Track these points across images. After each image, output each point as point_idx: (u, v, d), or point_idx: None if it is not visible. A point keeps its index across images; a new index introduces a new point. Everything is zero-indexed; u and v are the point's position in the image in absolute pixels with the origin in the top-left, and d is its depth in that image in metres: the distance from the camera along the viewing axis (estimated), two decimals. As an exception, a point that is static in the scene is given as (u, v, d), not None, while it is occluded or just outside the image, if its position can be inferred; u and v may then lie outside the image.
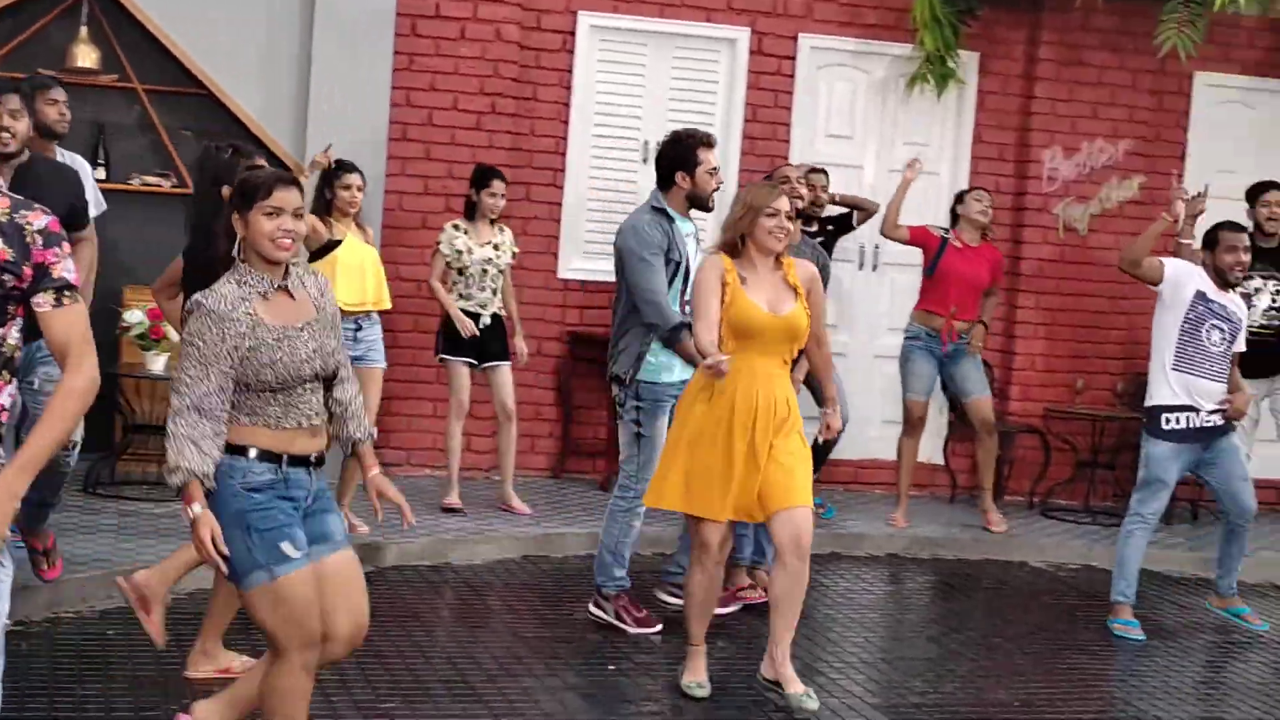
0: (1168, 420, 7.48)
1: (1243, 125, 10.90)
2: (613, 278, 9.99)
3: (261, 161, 5.79)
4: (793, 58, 10.30)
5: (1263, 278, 8.85)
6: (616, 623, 6.86)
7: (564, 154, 10.03)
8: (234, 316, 4.21)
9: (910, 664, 6.78)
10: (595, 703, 5.85)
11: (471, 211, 8.68)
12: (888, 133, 10.52)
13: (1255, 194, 9.19)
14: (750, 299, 5.75)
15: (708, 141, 6.81)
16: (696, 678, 5.99)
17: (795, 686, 5.74)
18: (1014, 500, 10.27)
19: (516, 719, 5.58)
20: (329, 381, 4.46)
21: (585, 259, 10.12)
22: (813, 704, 5.71)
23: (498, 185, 8.62)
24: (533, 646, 6.57)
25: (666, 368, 6.69)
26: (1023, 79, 10.58)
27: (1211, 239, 7.60)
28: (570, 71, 9.99)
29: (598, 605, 6.96)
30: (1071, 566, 9.07)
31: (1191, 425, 7.46)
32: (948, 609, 7.94)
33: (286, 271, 4.33)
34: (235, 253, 4.32)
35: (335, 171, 8.08)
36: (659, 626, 6.86)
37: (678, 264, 6.72)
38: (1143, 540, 7.61)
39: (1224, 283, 7.53)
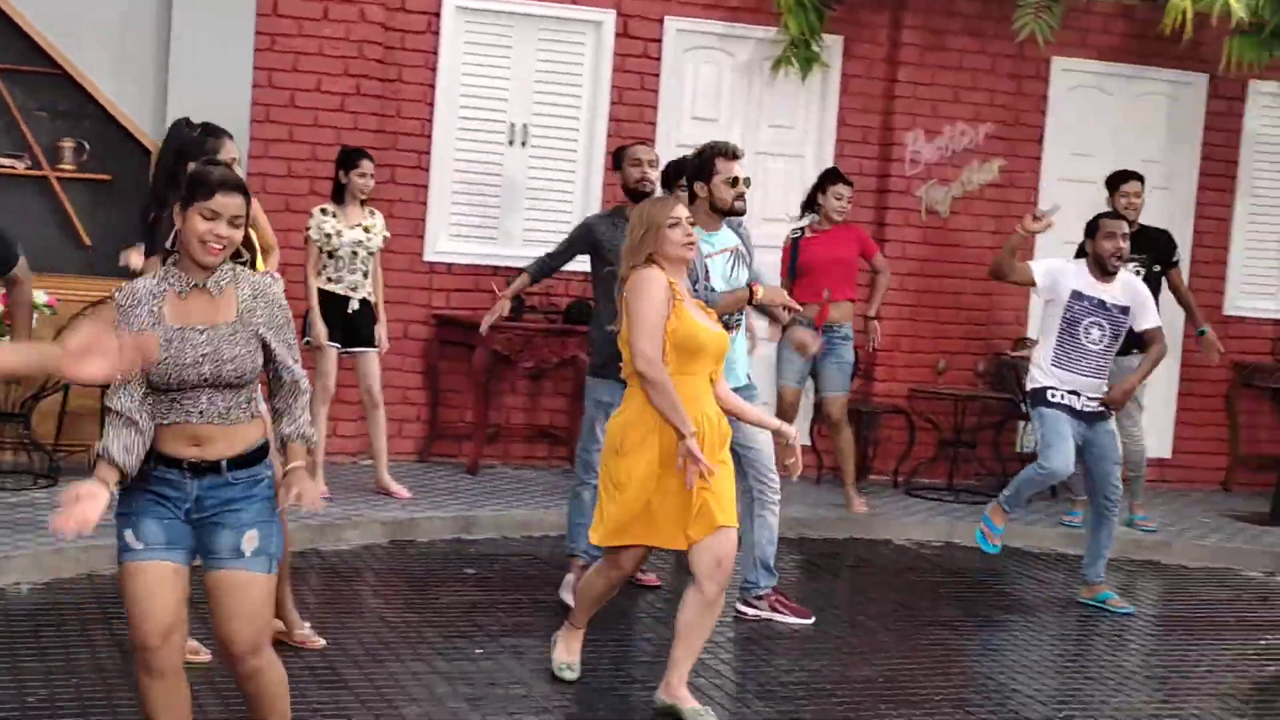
0: (1051, 394, 7.68)
1: (1098, 110, 11.13)
2: (481, 260, 10.11)
3: (228, 154, 5.79)
4: (658, 40, 10.32)
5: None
6: (772, 615, 7.15)
7: (430, 136, 9.96)
8: (137, 311, 4.18)
9: (776, 642, 6.85)
10: (463, 688, 5.84)
11: (340, 194, 8.60)
12: (753, 115, 10.59)
13: (1115, 183, 9.46)
14: (693, 316, 5.57)
15: (727, 153, 6.79)
16: (569, 658, 5.98)
17: (691, 703, 5.63)
18: (879, 480, 10.41)
19: (384, 705, 5.55)
20: (235, 385, 4.24)
21: (452, 241, 10.07)
22: (712, 718, 5.62)
23: (366, 165, 8.55)
24: (400, 632, 6.54)
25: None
26: (886, 63, 10.70)
27: (1092, 227, 7.76)
28: (436, 53, 9.92)
29: (749, 604, 7.21)
30: (935, 544, 9.22)
31: (1071, 404, 7.65)
32: (814, 588, 8.02)
33: (214, 271, 4.24)
34: (170, 243, 4.29)
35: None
36: (813, 618, 7.17)
37: (694, 282, 6.57)
38: (1038, 481, 7.71)
39: (1103, 270, 7.68)
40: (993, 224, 10.78)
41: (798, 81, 10.51)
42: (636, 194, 7.28)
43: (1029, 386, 7.85)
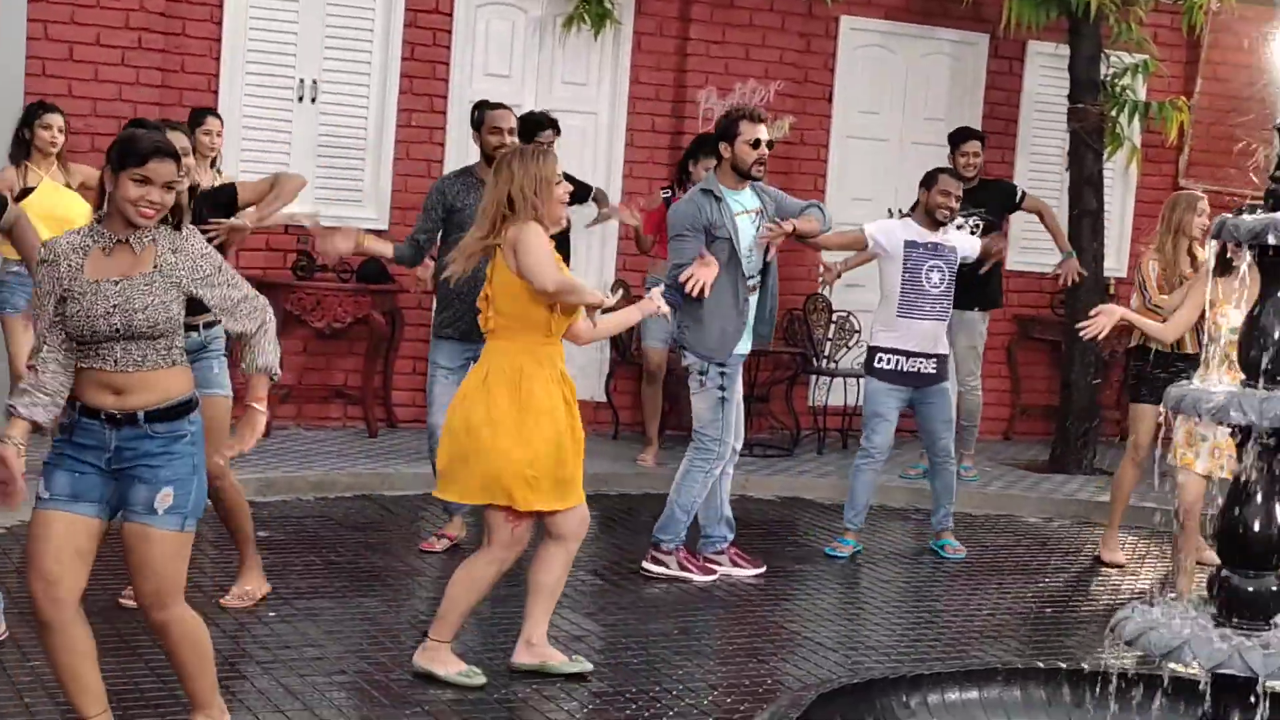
0: (880, 359, 7.96)
1: (885, 68, 11.34)
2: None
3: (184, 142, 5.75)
4: (451, -5, 10.24)
5: (963, 216, 9.41)
6: (681, 574, 7.27)
7: (216, 92, 9.73)
8: (60, 265, 4.36)
9: (574, 599, 6.88)
10: (256, 650, 5.76)
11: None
12: (546, 72, 10.56)
13: (956, 141, 9.86)
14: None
15: (753, 116, 7.17)
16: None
17: (560, 657, 5.74)
18: (676, 435, 10.50)
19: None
20: (149, 335, 4.34)
21: (240, 200, 9.85)
22: (586, 664, 5.75)
23: (213, 123, 8.47)
24: (191, 597, 6.37)
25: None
26: (678, 20, 10.76)
27: (930, 179, 8.07)
28: (221, 6, 9.69)
29: (656, 561, 7.34)
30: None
31: (901, 369, 7.93)
32: (611, 543, 8.08)
33: (136, 230, 4.38)
34: (100, 208, 4.43)
35: (34, 110, 8.09)
36: (717, 574, 7.34)
37: (728, 240, 7.06)
38: (870, 473, 8.05)
39: (933, 222, 7.97)
40: (782, 180, 10.89)
41: (590, 38, 10.50)
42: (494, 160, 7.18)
43: (869, 342, 8.19)
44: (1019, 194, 10.04)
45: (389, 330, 10.00)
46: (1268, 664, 3.97)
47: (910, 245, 7.91)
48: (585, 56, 10.62)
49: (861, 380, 10.58)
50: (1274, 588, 4.16)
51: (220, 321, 4.69)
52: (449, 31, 10.26)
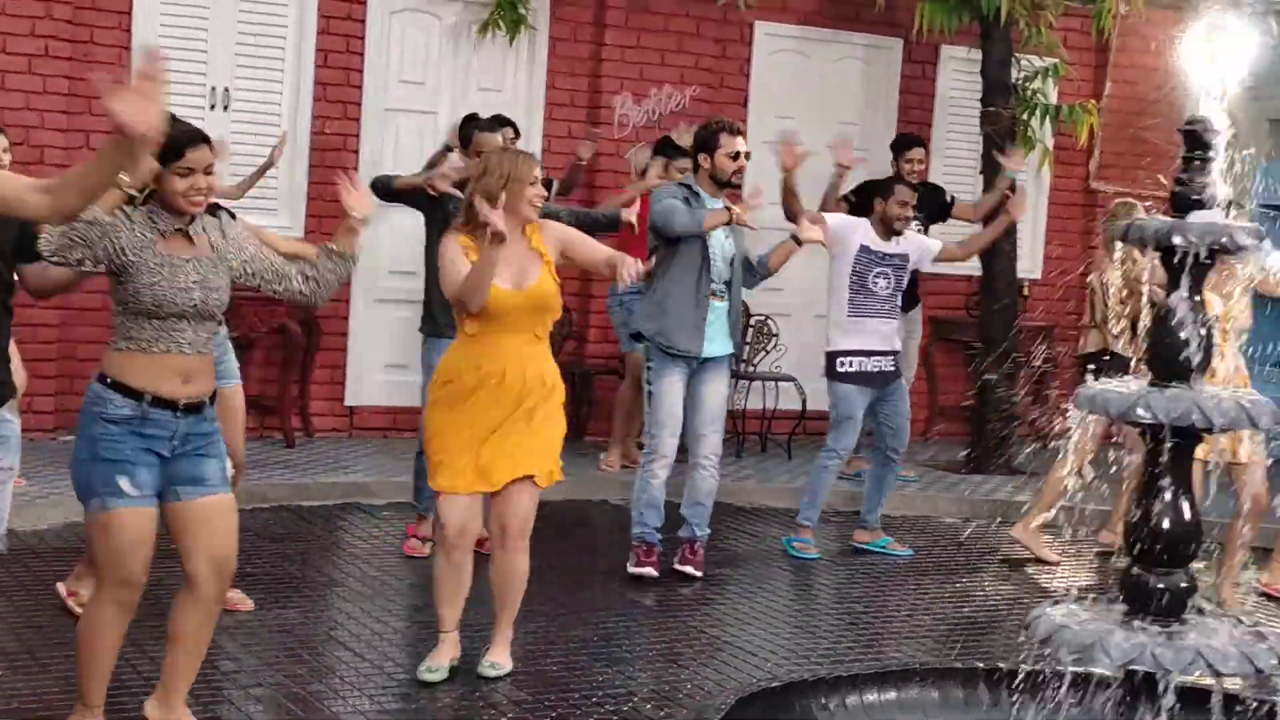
0: (841, 363, 8.07)
1: (800, 73, 11.40)
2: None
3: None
4: (364, 2, 10.17)
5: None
6: (632, 570, 7.44)
7: (126, 100, 9.59)
8: (120, 232, 4.48)
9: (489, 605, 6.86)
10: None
11: None
12: (461, 79, 10.52)
13: (900, 148, 10.00)
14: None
15: (731, 129, 7.44)
16: (433, 660, 5.78)
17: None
18: (595, 440, 10.50)
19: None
20: (213, 317, 4.64)
21: (152, 209, 9.75)
22: (494, 671, 5.80)
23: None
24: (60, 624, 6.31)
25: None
26: (592, 26, 10.75)
27: (886, 190, 8.22)
28: (130, 13, 9.57)
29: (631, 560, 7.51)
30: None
31: (863, 369, 8.07)
32: (533, 548, 8.03)
33: (191, 219, 4.61)
34: (143, 202, 4.60)
35: None
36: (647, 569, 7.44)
37: (700, 240, 7.30)
38: (834, 474, 8.26)
39: (889, 232, 8.11)
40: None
41: (505, 44, 10.47)
42: None
43: (826, 349, 8.22)
44: (947, 195, 10.17)
45: (305, 339, 9.92)
46: (1177, 659, 4.03)
47: (863, 250, 8.07)
48: (500, 63, 10.59)
49: (781, 384, 10.72)
50: (1183, 584, 4.22)
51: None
52: (362, 38, 10.19)
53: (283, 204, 10.04)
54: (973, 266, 11.18)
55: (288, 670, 5.78)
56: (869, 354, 8.07)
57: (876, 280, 8.10)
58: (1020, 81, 10.76)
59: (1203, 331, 4.23)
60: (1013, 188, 9.71)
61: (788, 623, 6.99)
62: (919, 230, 9.47)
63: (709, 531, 7.72)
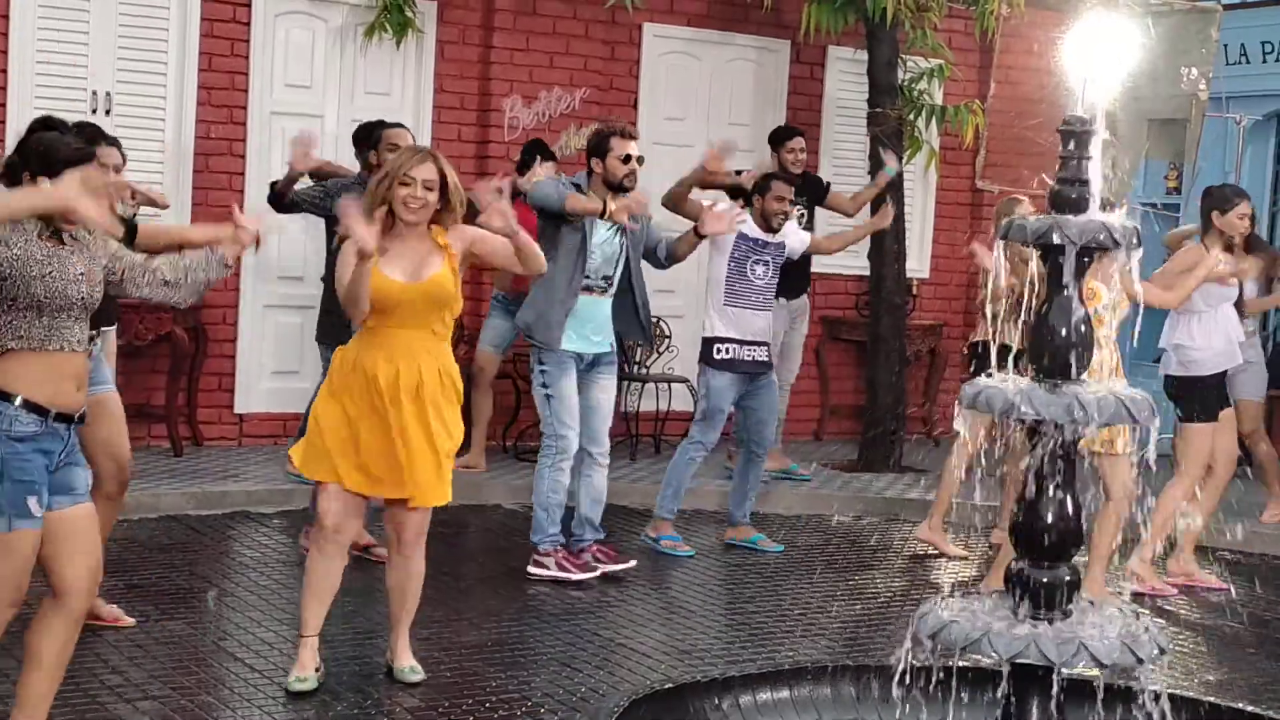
0: (718, 350, 8.16)
1: (689, 75, 11.43)
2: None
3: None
4: (248, 5, 10.04)
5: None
6: (560, 575, 7.45)
7: (4, 105, 9.43)
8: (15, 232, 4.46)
9: (383, 615, 6.80)
10: (61, 685, 5.58)
11: None
12: (348, 82, 10.43)
13: (780, 139, 10.06)
14: (384, 271, 5.47)
15: (624, 133, 7.47)
16: (300, 671, 5.65)
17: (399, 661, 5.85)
18: (486, 444, 10.44)
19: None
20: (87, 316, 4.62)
21: (33, 216, 9.56)
22: (417, 675, 5.79)
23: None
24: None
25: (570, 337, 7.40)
26: (481, 29, 10.71)
27: (764, 186, 8.31)
28: (6, 16, 9.39)
29: (537, 564, 7.51)
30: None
31: (739, 356, 8.16)
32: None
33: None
34: None
35: None
36: (598, 571, 7.52)
37: (582, 235, 7.32)
38: (696, 465, 8.35)
39: (768, 227, 8.25)
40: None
41: (393, 48, 10.40)
42: None
43: (703, 335, 8.31)
44: (826, 184, 10.38)
45: (193, 347, 9.78)
46: (1061, 652, 4.08)
47: (741, 238, 8.16)
48: (388, 66, 10.52)
49: (674, 385, 10.75)
50: (1067, 578, 4.28)
51: None
52: (247, 41, 10.07)
53: (169, 210, 9.86)
54: (862, 266, 11.29)
55: (175, 683, 5.69)
56: (743, 343, 8.18)
57: (755, 268, 8.22)
58: (906, 82, 10.87)
59: (1083, 328, 4.29)
60: (894, 184, 9.88)
61: (682, 623, 7.01)
62: (802, 218, 9.66)
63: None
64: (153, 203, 8.03)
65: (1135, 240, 4.26)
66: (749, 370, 8.22)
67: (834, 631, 7.00)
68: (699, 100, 11.41)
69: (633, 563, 7.76)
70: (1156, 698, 4.57)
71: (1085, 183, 4.28)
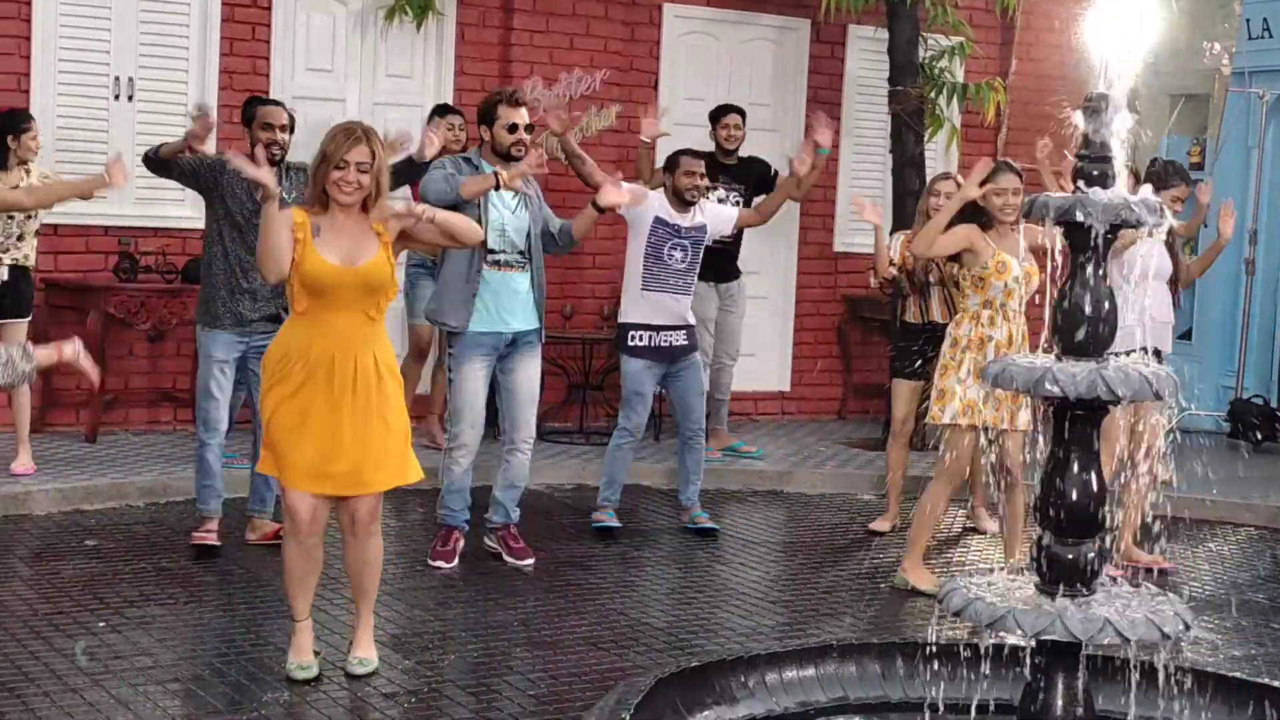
0: (633, 337, 8.04)
1: (709, 55, 11.42)
2: (91, 221, 9.69)
3: None
4: (268, -11, 10.08)
5: (726, 189, 9.75)
6: (498, 549, 7.45)
7: (28, 91, 9.46)
8: None
9: (413, 594, 6.85)
10: (87, 663, 5.63)
11: (4, 159, 8.23)
12: (369, 66, 10.45)
13: (716, 116, 10.00)
14: (319, 253, 5.38)
15: (511, 100, 7.25)
16: (297, 656, 5.61)
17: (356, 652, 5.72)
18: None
19: (4, 695, 5.32)
20: None
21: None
22: (365, 669, 5.65)
23: (35, 127, 8.41)
24: (16, 613, 6.24)
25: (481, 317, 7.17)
26: (500, 10, 10.72)
27: (673, 163, 8.17)
28: (29, 3, 9.42)
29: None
30: (566, 487, 9.36)
31: (654, 344, 8.04)
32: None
33: None
34: None
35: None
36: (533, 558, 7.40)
37: (475, 210, 6.95)
38: (628, 452, 8.19)
39: (682, 202, 8.09)
40: (612, 169, 10.89)
41: (413, 30, 10.42)
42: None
43: (619, 320, 8.22)
44: (773, 172, 10.13)
45: (216, 331, 9.80)
46: (1087, 628, 4.09)
47: (658, 222, 8.05)
48: (409, 49, 10.53)
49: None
50: (1091, 554, 4.28)
51: None
52: (268, 26, 10.10)
53: (190, 195, 9.85)
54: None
55: (206, 663, 5.74)
56: (659, 329, 8.04)
57: (672, 253, 8.07)
58: (927, 60, 10.84)
59: (1107, 305, 4.29)
60: (914, 162, 9.86)
61: (708, 600, 7.01)
62: (737, 202, 9.55)
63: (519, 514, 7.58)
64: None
65: (1160, 214, 4.26)
66: (665, 356, 8.08)
67: (859, 609, 7.00)
68: (719, 80, 11.39)
69: (530, 560, 7.42)
70: (1181, 673, 4.59)
71: (1108, 159, 4.28)
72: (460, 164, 7.27)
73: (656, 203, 8.09)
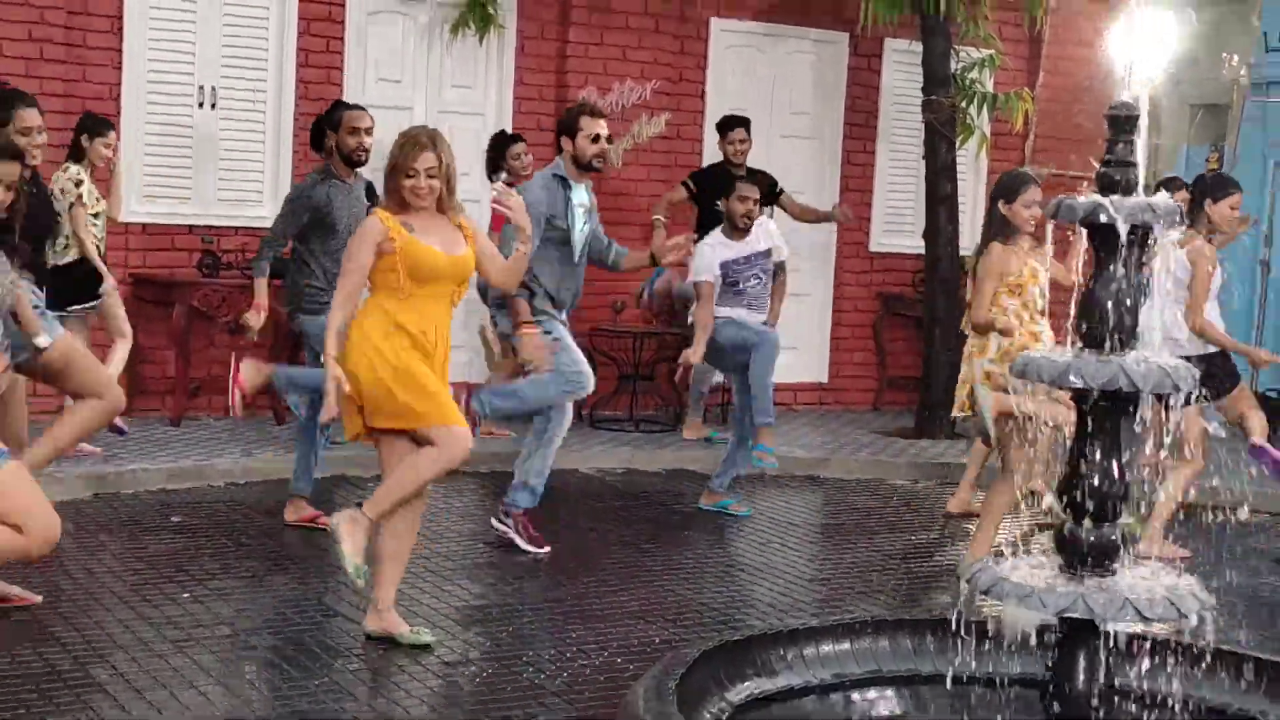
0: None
1: (753, 67, 11.40)
2: (175, 220, 9.79)
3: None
4: (342, 4, 10.11)
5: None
6: (514, 536, 7.16)
7: (118, 100, 9.55)
8: None
9: (470, 569, 6.87)
10: (170, 631, 5.68)
11: (77, 153, 8.37)
12: (435, 76, 10.49)
13: (724, 128, 9.99)
14: (425, 243, 5.47)
15: (592, 111, 7.14)
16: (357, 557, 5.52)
17: (403, 628, 5.66)
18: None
19: (92, 656, 5.36)
20: None
21: (144, 203, 9.69)
22: (429, 636, 5.65)
23: (112, 136, 8.48)
24: (106, 584, 6.31)
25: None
26: (558, 24, 10.73)
27: (728, 189, 8.21)
28: (121, 18, 9.50)
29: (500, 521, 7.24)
30: (617, 471, 9.37)
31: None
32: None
33: None
34: None
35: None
36: (547, 548, 7.14)
37: (564, 231, 6.99)
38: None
39: (736, 229, 8.07)
40: (662, 173, 10.95)
41: (475, 43, 10.45)
42: (352, 161, 7.36)
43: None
44: (778, 185, 10.18)
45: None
46: (1108, 607, 4.07)
47: (724, 266, 8.02)
48: (472, 60, 10.56)
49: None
50: (1113, 537, 4.25)
51: None
52: (341, 39, 10.14)
53: (267, 199, 9.98)
54: (918, 245, 11.22)
55: (281, 633, 5.76)
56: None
57: (749, 282, 8.08)
58: (959, 72, 10.78)
59: (1129, 301, 4.26)
60: (946, 168, 9.85)
61: (751, 578, 7.01)
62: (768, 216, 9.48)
63: None
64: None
65: (1178, 219, 4.23)
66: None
67: (892, 588, 6.99)
68: (763, 91, 11.37)
69: (547, 549, 7.21)
70: (1201, 652, 4.55)
71: (1132, 165, 4.25)
72: (550, 181, 7.11)
73: (708, 251, 8.02)
